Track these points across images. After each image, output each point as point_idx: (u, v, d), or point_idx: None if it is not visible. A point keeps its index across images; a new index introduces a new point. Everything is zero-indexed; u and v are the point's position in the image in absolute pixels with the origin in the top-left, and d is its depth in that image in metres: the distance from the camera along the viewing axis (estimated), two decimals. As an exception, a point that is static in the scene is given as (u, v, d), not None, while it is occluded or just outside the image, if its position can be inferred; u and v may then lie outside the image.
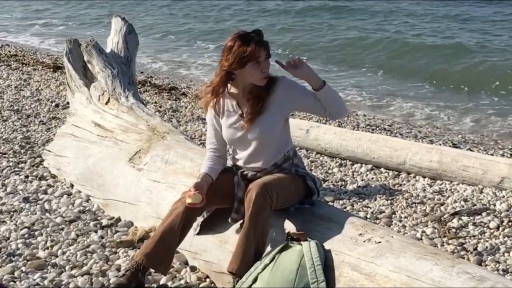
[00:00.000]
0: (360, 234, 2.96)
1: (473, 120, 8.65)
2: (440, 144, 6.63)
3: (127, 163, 4.32)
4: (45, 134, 6.53)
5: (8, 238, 3.94)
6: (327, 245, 2.97)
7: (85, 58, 5.53)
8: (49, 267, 3.56)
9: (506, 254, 3.88)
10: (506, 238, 4.11)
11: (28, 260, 3.63)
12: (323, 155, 6.11)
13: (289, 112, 3.32)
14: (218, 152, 3.37)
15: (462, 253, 3.88)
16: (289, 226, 3.16)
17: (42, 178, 5.09)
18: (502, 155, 6.32)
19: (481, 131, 8.09)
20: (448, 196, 4.97)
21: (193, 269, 3.49)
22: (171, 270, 3.40)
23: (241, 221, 3.17)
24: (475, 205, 4.75)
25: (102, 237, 3.96)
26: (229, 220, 3.24)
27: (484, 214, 4.54)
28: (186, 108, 8.28)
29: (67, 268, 3.55)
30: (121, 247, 3.79)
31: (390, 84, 11.13)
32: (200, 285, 3.36)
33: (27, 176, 5.14)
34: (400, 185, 5.30)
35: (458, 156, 5.34)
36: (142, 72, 11.32)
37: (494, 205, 4.75)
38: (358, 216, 3.99)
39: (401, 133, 7.55)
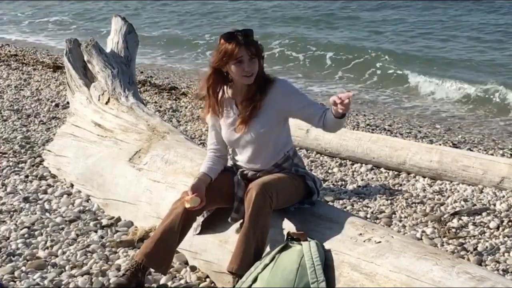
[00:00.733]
0: (360, 234, 2.96)
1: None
2: (440, 144, 6.63)
3: (127, 163, 4.32)
4: (45, 134, 6.53)
5: (8, 238, 3.94)
6: (327, 245, 2.97)
7: (85, 58, 5.53)
8: (49, 267, 3.56)
9: (506, 254, 3.88)
10: (506, 238, 4.11)
11: (28, 260, 3.63)
12: (323, 155, 6.11)
13: (284, 117, 3.28)
14: (219, 152, 3.37)
15: (462, 253, 3.88)
16: (289, 226, 3.16)
17: (42, 178, 5.09)
18: (502, 155, 6.32)
19: (482, 131, 8.09)
20: (448, 196, 4.97)
21: (193, 269, 3.49)
22: (171, 270, 3.40)
23: (241, 220, 3.17)
24: (475, 205, 4.75)
25: (102, 237, 3.96)
26: (229, 219, 3.24)
27: (484, 214, 4.54)
28: (186, 108, 8.28)
29: (67, 268, 3.55)
30: (121, 247, 3.79)
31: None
32: (200, 285, 3.35)
33: (27, 176, 5.14)
34: (400, 185, 5.30)
35: (458, 156, 5.34)
36: (142, 72, 11.32)
37: (494, 205, 4.75)
38: (358, 216, 3.99)
39: (401, 133, 7.55)
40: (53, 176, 5.11)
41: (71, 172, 4.88)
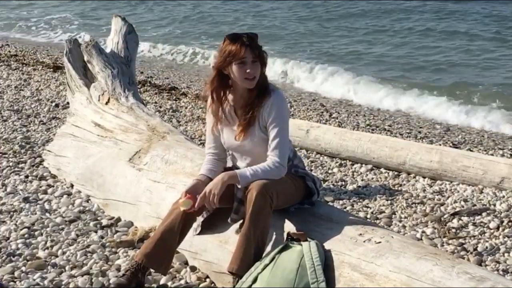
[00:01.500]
0: (360, 234, 2.96)
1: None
2: (440, 144, 6.63)
3: (127, 163, 4.32)
4: (45, 134, 6.53)
5: (8, 238, 3.94)
6: (327, 245, 2.97)
7: (85, 58, 5.53)
8: (49, 267, 3.56)
9: (506, 254, 3.88)
10: (506, 238, 4.11)
11: (28, 260, 3.63)
12: (323, 155, 6.11)
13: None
14: (217, 155, 3.37)
15: (462, 253, 3.88)
16: (289, 226, 3.16)
17: (42, 178, 5.09)
18: (502, 155, 6.32)
19: (482, 131, 8.09)
20: (448, 196, 4.97)
21: (193, 269, 3.49)
22: (171, 270, 3.40)
23: (241, 221, 3.17)
24: (475, 205, 4.75)
25: (102, 237, 3.96)
26: (229, 220, 3.24)
27: (484, 214, 4.54)
28: (186, 108, 8.28)
29: (67, 268, 3.54)
30: (121, 247, 3.79)
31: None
32: (200, 285, 3.35)
33: (27, 176, 5.14)
34: (400, 185, 5.30)
35: (458, 156, 5.34)
36: (142, 72, 11.32)
37: (494, 205, 4.75)
38: (358, 216, 4.00)
39: (401, 133, 7.55)
40: (53, 176, 5.11)
41: (71, 172, 4.88)
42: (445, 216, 4.49)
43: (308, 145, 6.23)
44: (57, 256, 3.69)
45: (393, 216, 4.54)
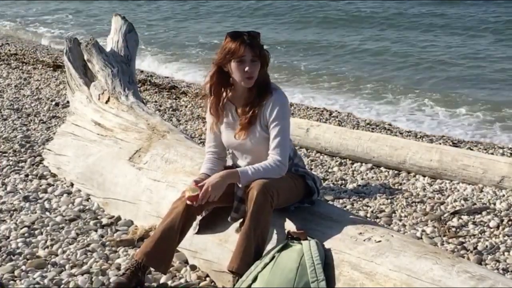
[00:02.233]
0: (360, 233, 2.96)
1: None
2: (440, 143, 6.63)
3: (127, 162, 4.32)
4: (45, 133, 6.52)
5: (8, 237, 3.94)
6: (327, 244, 2.97)
7: (85, 57, 5.52)
8: (49, 266, 3.56)
9: (506, 253, 3.88)
10: (506, 237, 4.11)
11: (28, 259, 3.63)
12: (323, 154, 6.11)
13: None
14: (217, 154, 3.37)
15: (462, 252, 3.88)
16: (289, 225, 3.16)
17: (42, 177, 5.09)
18: (502, 154, 6.33)
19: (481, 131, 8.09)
20: (448, 195, 4.97)
21: (193, 268, 3.49)
22: (171, 269, 3.40)
23: (241, 220, 3.17)
24: (475, 204, 4.75)
25: (102, 236, 3.96)
26: (229, 219, 3.24)
27: (484, 213, 4.54)
28: (186, 107, 8.28)
29: (67, 267, 3.54)
30: (121, 246, 3.79)
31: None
32: (200, 284, 3.35)
33: (27, 175, 5.14)
34: (400, 184, 5.30)
35: (458, 155, 5.34)
36: (142, 71, 11.32)
37: (494, 204, 4.75)
38: (358, 215, 4.00)
39: (401, 132, 7.56)
40: (53, 175, 5.11)
41: (71, 171, 4.88)
42: (445, 215, 4.49)
43: (308, 144, 6.23)
44: (57, 255, 3.69)
45: (393, 215, 4.54)
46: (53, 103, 8.06)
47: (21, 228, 4.05)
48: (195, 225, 3.32)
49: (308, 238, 2.96)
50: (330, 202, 4.64)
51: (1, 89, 8.98)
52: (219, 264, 3.26)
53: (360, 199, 4.88)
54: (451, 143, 6.84)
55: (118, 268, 3.48)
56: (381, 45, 13.97)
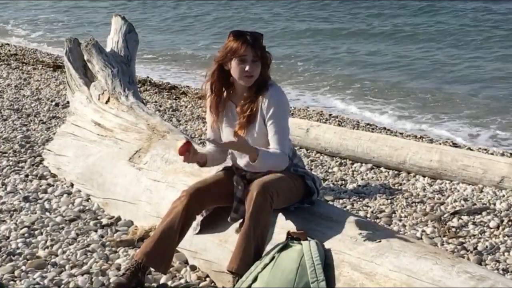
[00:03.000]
0: (360, 233, 2.96)
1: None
2: (440, 143, 6.63)
3: (127, 162, 4.32)
4: (45, 133, 6.52)
5: (8, 237, 3.94)
6: (327, 244, 2.97)
7: (85, 57, 5.52)
8: (49, 266, 3.56)
9: (506, 254, 3.88)
10: (506, 238, 4.11)
11: (28, 259, 3.63)
12: (323, 154, 6.11)
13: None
14: (218, 151, 3.37)
15: (462, 252, 3.88)
16: (289, 225, 3.16)
17: (42, 177, 5.09)
18: (502, 154, 6.33)
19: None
20: (448, 196, 4.97)
21: (193, 268, 3.49)
22: (171, 269, 3.40)
23: (241, 220, 3.17)
24: (475, 204, 4.75)
25: (102, 236, 3.96)
26: (229, 219, 3.24)
27: (484, 213, 4.54)
28: (186, 107, 8.28)
29: (67, 267, 3.54)
30: (121, 246, 3.79)
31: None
32: (200, 285, 3.35)
33: (27, 175, 5.14)
34: (400, 184, 5.30)
35: (458, 155, 5.34)
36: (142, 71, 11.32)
37: (494, 204, 4.75)
38: (358, 215, 4.00)
39: (401, 132, 7.56)
40: (53, 176, 5.11)
41: (71, 172, 4.88)
42: (445, 215, 4.49)
43: (308, 144, 6.23)
44: (57, 255, 3.69)
45: (393, 215, 4.54)
46: (53, 103, 8.06)
47: (21, 229, 4.05)
48: (195, 225, 3.32)
49: (308, 238, 2.96)
50: (330, 203, 4.64)
51: (1, 89, 8.98)
52: (219, 264, 3.26)
53: (360, 199, 4.88)
54: (451, 143, 6.84)
55: (118, 269, 3.48)
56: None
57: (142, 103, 5.11)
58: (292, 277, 2.81)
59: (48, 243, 3.86)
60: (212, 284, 3.35)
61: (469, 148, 6.54)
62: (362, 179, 5.40)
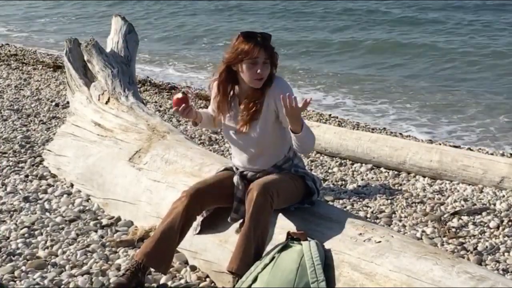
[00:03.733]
0: (360, 233, 2.96)
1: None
2: (440, 144, 6.63)
3: (127, 162, 4.32)
4: (45, 134, 6.53)
5: (8, 238, 3.94)
6: (327, 244, 2.97)
7: (85, 58, 5.53)
8: (49, 266, 3.56)
9: (506, 254, 3.88)
10: (506, 238, 4.11)
11: (28, 260, 3.63)
12: (323, 155, 6.11)
13: (276, 117, 3.18)
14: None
15: (462, 252, 3.88)
16: (289, 226, 3.16)
17: (42, 178, 5.09)
18: (502, 155, 6.33)
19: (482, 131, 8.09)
20: (448, 196, 4.97)
21: (193, 268, 3.49)
22: (171, 269, 3.40)
23: (241, 220, 3.17)
24: (475, 204, 4.75)
25: (102, 237, 3.96)
26: (229, 219, 3.24)
27: (484, 213, 4.54)
28: (186, 107, 8.26)
29: (67, 267, 3.54)
30: (121, 246, 3.79)
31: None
32: (200, 285, 3.35)
33: (27, 176, 5.14)
34: (400, 184, 5.30)
35: (458, 155, 5.34)
36: (142, 71, 11.31)
37: (494, 204, 4.75)
38: (358, 216, 4.00)
39: (401, 133, 7.56)
40: (53, 176, 5.11)
41: (71, 172, 4.88)
42: (445, 216, 4.49)
43: (308, 145, 6.22)
44: (57, 256, 3.69)
45: (393, 215, 4.54)
46: (53, 103, 8.06)
47: (21, 229, 4.05)
48: (195, 225, 3.32)
49: (308, 238, 2.96)
50: (330, 203, 4.64)
51: (1, 90, 8.98)
52: (219, 264, 3.26)
53: (360, 199, 4.88)
54: (451, 144, 6.84)
55: (118, 269, 3.48)
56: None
57: (142, 103, 5.11)
58: (292, 277, 2.81)
59: (48, 244, 3.86)
60: (212, 284, 3.35)
61: (469, 148, 6.53)
62: (362, 180, 5.40)
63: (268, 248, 3.05)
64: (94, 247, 3.78)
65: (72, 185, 4.84)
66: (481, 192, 5.03)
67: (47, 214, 4.35)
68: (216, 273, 3.32)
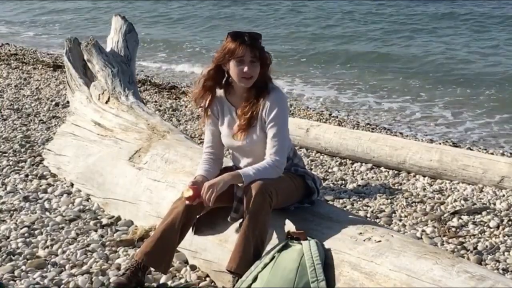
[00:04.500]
0: (360, 233, 2.96)
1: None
2: (440, 143, 6.63)
3: (127, 162, 4.32)
4: (45, 133, 6.53)
5: (8, 237, 3.94)
6: (327, 244, 2.97)
7: (85, 57, 5.52)
8: (49, 266, 3.56)
9: (506, 253, 3.88)
10: (506, 237, 4.11)
11: (28, 259, 3.63)
12: (323, 154, 6.11)
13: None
14: (214, 155, 3.34)
15: (462, 252, 3.88)
16: (289, 225, 3.16)
17: (42, 177, 5.09)
18: (502, 154, 6.33)
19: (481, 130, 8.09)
20: (448, 195, 4.97)
21: (193, 268, 3.49)
22: (171, 269, 3.40)
23: (241, 220, 3.17)
24: (475, 204, 4.75)
25: (102, 236, 3.96)
26: (228, 219, 3.24)
27: (484, 213, 4.54)
28: (186, 107, 8.28)
29: (67, 267, 3.54)
30: (121, 246, 3.79)
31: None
32: (200, 284, 3.35)
33: (27, 175, 5.14)
34: (400, 184, 5.30)
35: (458, 155, 5.34)
36: (142, 71, 11.32)
37: (494, 204, 4.75)
38: (358, 215, 4.00)
39: (401, 132, 7.56)
40: (53, 175, 5.11)
41: (71, 171, 4.88)
42: (445, 215, 4.49)
43: (308, 144, 6.22)
44: (57, 255, 3.69)
45: (393, 215, 4.54)
46: (53, 103, 8.06)
47: (21, 228, 4.05)
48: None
49: (308, 238, 2.96)
50: (330, 202, 4.64)
51: (1, 89, 8.99)
52: (219, 264, 3.26)
53: (360, 199, 4.88)
54: (451, 143, 6.84)
55: (118, 268, 3.48)
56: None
57: (142, 103, 5.11)
58: (292, 276, 2.81)
59: (48, 243, 3.86)
60: (212, 284, 3.35)
61: (469, 148, 6.53)
62: (362, 179, 5.40)
63: (268, 248, 3.05)
64: (94, 247, 3.78)
65: (72, 185, 4.84)
66: (481, 191, 5.03)
67: (47, 213, 4.35)
68: (216, 272, 3.32)
